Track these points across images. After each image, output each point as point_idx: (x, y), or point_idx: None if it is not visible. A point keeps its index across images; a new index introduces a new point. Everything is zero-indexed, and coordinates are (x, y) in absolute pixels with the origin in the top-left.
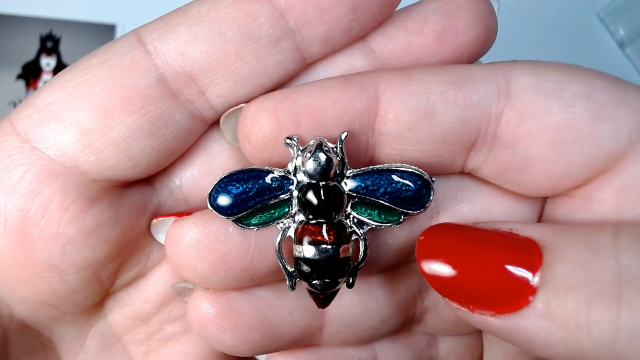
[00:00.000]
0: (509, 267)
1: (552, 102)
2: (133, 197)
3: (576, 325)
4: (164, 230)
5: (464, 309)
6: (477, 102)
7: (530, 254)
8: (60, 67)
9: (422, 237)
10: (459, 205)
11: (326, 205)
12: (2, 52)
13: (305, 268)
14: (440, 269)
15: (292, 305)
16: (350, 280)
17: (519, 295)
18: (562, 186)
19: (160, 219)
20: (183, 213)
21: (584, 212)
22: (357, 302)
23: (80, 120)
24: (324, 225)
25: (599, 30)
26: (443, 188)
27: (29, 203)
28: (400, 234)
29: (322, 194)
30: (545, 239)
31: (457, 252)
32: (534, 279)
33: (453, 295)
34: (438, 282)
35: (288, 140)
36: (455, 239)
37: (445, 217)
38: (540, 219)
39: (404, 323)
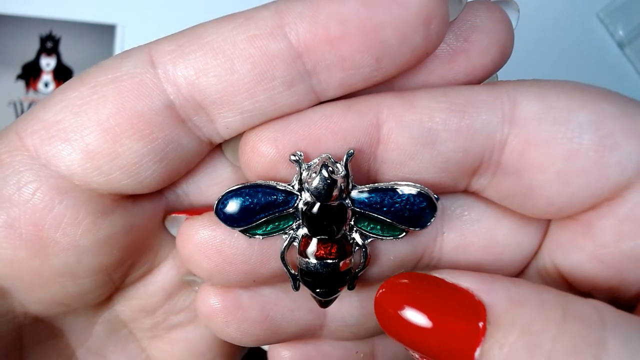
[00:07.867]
0: (460, 323)
1: (558, 132)
2: (142, 204)
3: None
4: (177, 225)
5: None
6: (481, 129)
7: (477, 323)
8: (60, 67)
9: (382, 289)
10: (465, 226)
11: (329, 225)
12: (2, 52)
13: (308, 279)
14: (412, 316)
15: (295, 305)
16: (351, 285)
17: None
18: (565, 213)
19: (174, 215)
20: (194, 211)
21: (584, 239)
22: (357, 307)
23: (89, 143)
24: (327, 241)
25: (599, 30)
26: (450, 207)
27: (43, 218)
28: (402, 251)
29: (325, 215)
30: (496, 310)
31: (427, 301)
32: (476, 352)
33: (408, 341)
34: (402, 330)
35: (293, 157)
36: (421, 288)
37: (451, 237)
38: (544, 237)
39: None
